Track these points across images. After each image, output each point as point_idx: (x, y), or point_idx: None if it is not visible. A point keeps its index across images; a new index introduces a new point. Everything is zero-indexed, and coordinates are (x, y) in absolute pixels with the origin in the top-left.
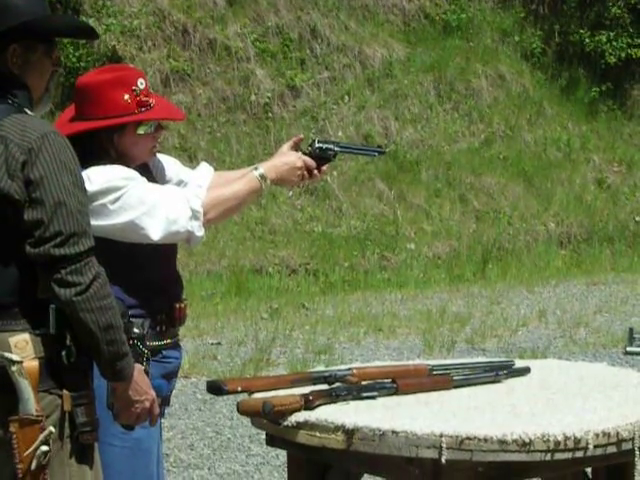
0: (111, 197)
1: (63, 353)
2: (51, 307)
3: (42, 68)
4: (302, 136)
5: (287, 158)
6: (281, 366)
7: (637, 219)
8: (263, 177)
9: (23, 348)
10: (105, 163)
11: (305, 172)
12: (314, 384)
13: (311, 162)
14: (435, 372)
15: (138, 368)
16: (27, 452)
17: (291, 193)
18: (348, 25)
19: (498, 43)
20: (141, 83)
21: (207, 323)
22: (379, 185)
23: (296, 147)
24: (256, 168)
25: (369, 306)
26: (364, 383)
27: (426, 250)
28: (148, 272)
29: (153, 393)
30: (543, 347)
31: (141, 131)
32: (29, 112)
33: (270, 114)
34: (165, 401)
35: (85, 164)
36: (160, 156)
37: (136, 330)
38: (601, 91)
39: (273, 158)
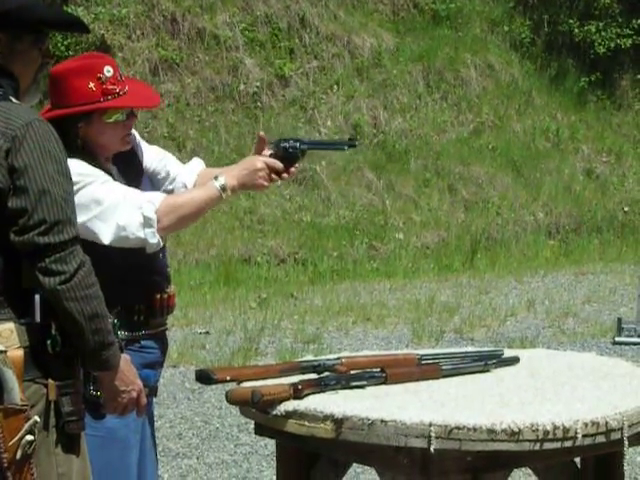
0: None
1: (48, 342)
2: (36, 296)
3: (29, 58)
4: (262, 133)
5: (246, 163)
6: (270, 355)
7: (626, 209)
8: (223, 187)
9: (7, 337)
10: (70, 153)
11: (272, 174)
12: (303, 373)
13: (274, 162)
14: (424, 361)
15: (125, 358)
16: (12, 442)
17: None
18: (337, 14)
19: (487, 33)
20: (108, 71)
21: (196, 312)
22: (368, 175)
23: (261, 147)
24: (216, 177)
25: (358, 296)
26: (353, 372)
27: (415, 240)
28: (118, 261)
29: (140, 383)
30: (532, 337)
31: (110, 119)
32: (14, 100)
33: (259, 103)
34: (152, 391)
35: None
36: (150, 148)
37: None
38: (590, 81)
39: (234, 166)
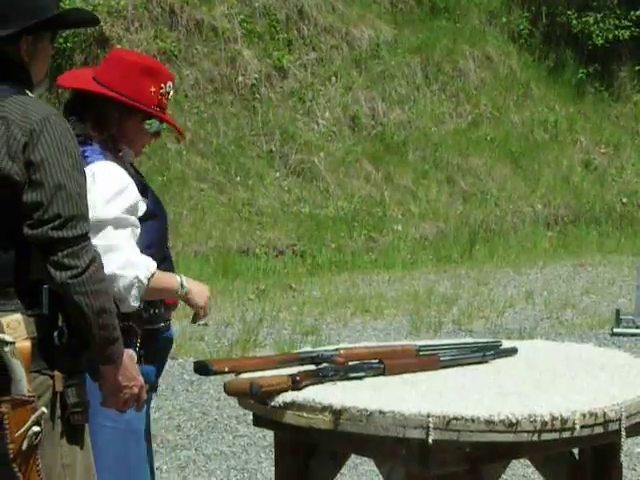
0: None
1: (55, 334)
2: (44, 287)
3: (45, 54)
4: None
5: (201, 285)
6: (268, 347)
7: (624, 201)
8: (181, 284)
9: (15, 328)
10: (100, 135)
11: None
12: (301, 365)
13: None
14: (422, 353)
15: (128, 353)
16: (19, 432)
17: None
18: (335, 6)
19: (485, 24)
20: (169, 86)
21: None
22: (366, 166)
23: None
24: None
25: (356, 287)
26: (351, 363)
27: (413, 231)
28: None
29: (141, 379)
30: (530, 328)
31: (147, 126)
32: (31, 95)
33: (257, 95)
34: (153, 388)
35: (82, 122)
36: None
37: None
38: (588, 73)
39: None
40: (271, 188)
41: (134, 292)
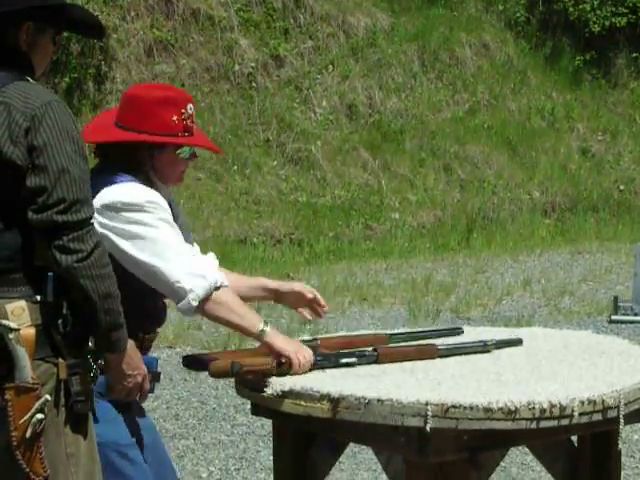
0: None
1: (59, 321)
2: (49, 274)
3: (46, 51)
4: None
5: (296, 343)
6: None
7: (621, 188)
8: (261, 333)
9: (19, 315)
10: (135, 177)
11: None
12: None
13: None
14: (393, 341)
15: (131, 343)
16: (22, 420)
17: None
18: None
19: (482, 12)
20: (190, 108)
21: None
22: (363, 155)
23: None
24: (266, 324)
25: (354, 276)
26: (343, 351)
27: (411, 220)
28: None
29: (145, 369)
30: (528, 316)
31: (181, 154)
32: (31, 81)
33: (254, 84)
34: (156, 377)
35: (115, 171)
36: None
37: None
38: (585, 60)
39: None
40: (268, 177)
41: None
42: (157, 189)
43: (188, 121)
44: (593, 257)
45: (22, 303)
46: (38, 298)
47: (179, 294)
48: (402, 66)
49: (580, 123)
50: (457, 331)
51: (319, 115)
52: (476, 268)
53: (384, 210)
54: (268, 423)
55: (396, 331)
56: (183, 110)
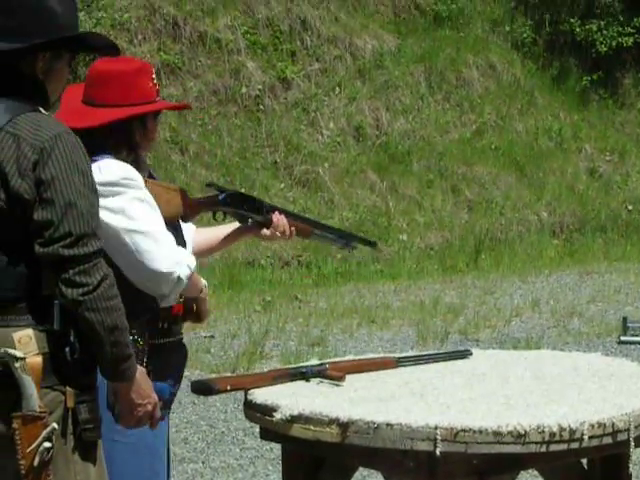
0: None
1: (67, 349)
2: (56, 303)
3: (62, 76)
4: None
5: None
6: (275, 359)
7: (629, 208)
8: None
9: (26, 344)
10: (125, 150)
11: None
12: (292, 380)
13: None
14: (402, 364)
15: (141, 370)
16: (30, 448)
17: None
18: (338, 16)
19: (489, 33)
20: (155, 73)
21: None
22: (371, 176)
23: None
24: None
25: (362, 298)
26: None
27: (418, 241)
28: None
29: (155, 397)
30: (537, 337)
31: (158, 118)
32: (43, 111)
33: (261, 106)
34: (167, 405)
35: (105, 148)
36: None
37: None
38: (592, 80)
39: None
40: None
41: (176, 288)
42: (141, 162)
43: (157, 85)
44: (602, 278)
45: (29, 331)
46: (45, 326)
47: (159, 292)
48: (409, 87)
49: (588, 143)
50: (466, 353)
51: (326, 137)
52: (484, 289)
53: (392, 232)
54: (277, 447)
55: (404, 354)
56: (152, 76)
